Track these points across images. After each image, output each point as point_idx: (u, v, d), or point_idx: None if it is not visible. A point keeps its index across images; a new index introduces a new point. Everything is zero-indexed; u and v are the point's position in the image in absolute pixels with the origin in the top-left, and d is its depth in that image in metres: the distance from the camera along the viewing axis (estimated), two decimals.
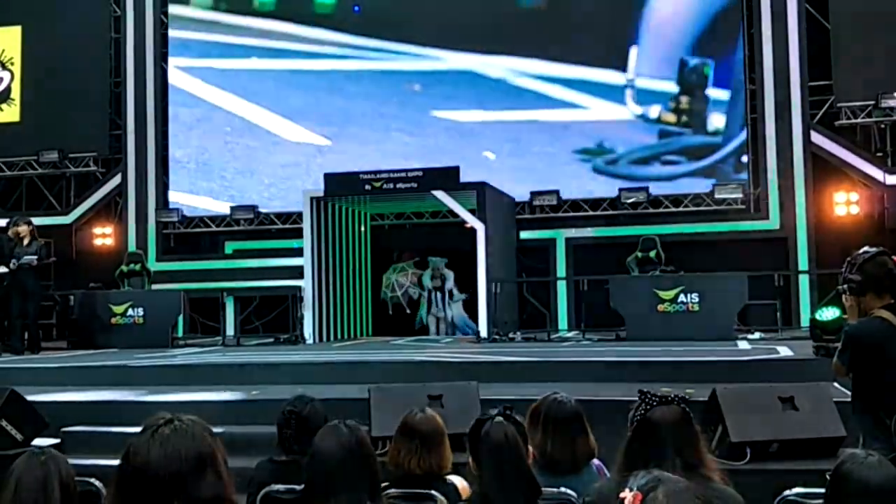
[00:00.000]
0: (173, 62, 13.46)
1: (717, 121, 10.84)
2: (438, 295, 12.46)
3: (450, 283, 12.51)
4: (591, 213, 12.65)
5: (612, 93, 10.76)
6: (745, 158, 11.32)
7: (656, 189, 11.31)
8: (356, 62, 11.44)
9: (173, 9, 13.37)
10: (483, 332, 10.58)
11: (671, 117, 10.70)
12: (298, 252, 11.93)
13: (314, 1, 11.64)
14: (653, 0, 10.47)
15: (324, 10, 11.61)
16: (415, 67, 11.17)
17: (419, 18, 11.01)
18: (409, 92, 11.23)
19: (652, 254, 11.26)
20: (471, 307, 11.85)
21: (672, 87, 10.72)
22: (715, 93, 10.74)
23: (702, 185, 10.81)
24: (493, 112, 11.01)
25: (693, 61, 10.64)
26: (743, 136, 11.48)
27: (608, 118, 10.75)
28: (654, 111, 10.68)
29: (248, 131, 12.58)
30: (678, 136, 10.76)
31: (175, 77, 13.48)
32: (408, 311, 12.73)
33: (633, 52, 10.64)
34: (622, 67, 10.84)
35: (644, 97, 10.79)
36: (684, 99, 10.60)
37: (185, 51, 12.78)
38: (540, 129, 11.00)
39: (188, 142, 13.48)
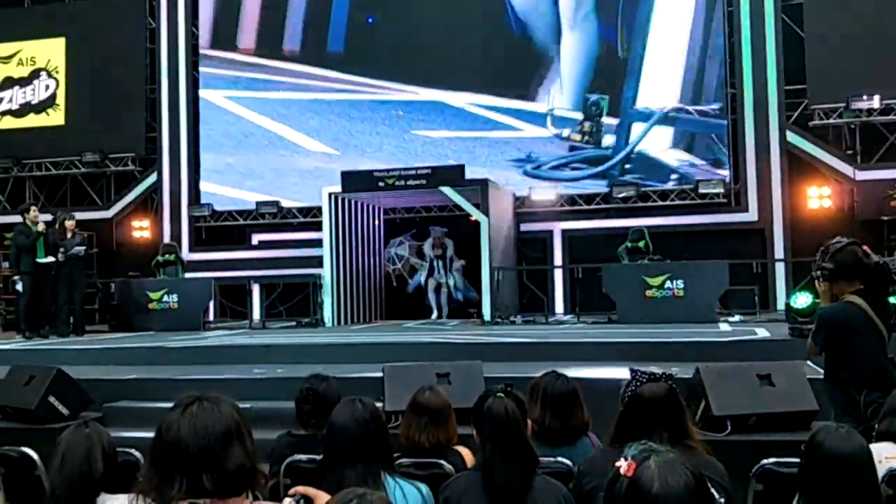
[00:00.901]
0: (225, 93, 14.31)
1: (608, 140, 12.79)
2: (440, 263, 12.59)
3: (451, 251, 12.57)
4: (585, 206, 12.63)
5: (538, 118, 13.00)
6: (628, 165, 12.72)
7: (567, 188, 12.89)
8: (357, 94, 13.74)
9: (224, 54, 14.44)
10: (486, 316, 10.58)
11: (578, 137, 12.86)
12: (318, 243, 11.95)
13: (327, 50, 13.91)
14: (561, 54, 13.08)
15: (335, 57, 13.93)
16: (399, 98, 13.51)
17: (402, 64, 13.42)
18: (395, 116, 13.52)
19: (641, 244, 11.24)
20: (471, 277, 12.08)
21: (579, 115, 12.87)
22: (608, 120, 12.78)
23: (599, 186, 12.74)
24: (455, 132, 13.31)
25: (593, 97, 12.80)
26: (626, 150, 12.74)
27: (534, 137, 13.00)
28: (566, 132, 12.88)
29: (279, 144, 14.05)
30: (582, 150, 12.85)
31: (224, 102, 14.30)
32: (409, 280, 12.82)
33: (553, 89, 12.94)
34: (546, 100, 13.08)
35: (559, 122, 12.93)
36: (586, 124, 12.79)
37: (232, 84, 14.34)
38: (488, 144, 13.17)
39: (235, 153, 14.26)
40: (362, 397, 2.57)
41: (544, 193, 12.52)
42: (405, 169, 11.33)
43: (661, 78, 12.61)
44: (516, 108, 13.03)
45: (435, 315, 12.36)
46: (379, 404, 2.67)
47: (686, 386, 4.44)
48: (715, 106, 12.34)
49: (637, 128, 12.61)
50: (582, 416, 3.15)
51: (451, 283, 12.55)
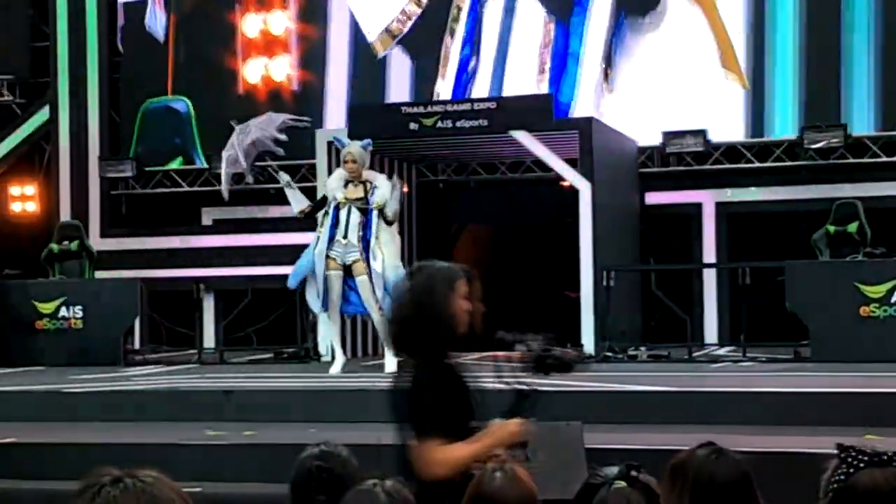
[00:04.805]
0: None
1: None
2: (354, 215, 9.53)
3: (384, 193, 9.44)
4: (756, 164, 12.53)
5: None
6: None
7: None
8: None
9: None
10: (588, 346, 10.57)
11: None
12: (310, 225, 12.00)
13: None
14: None
15: None
16: None
17: None
18: None
19: (852, 227, 11.14)
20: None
21: None
22: None
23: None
24: None
25: None
26: None
27: None
28: None
29: None
30: None
31: None
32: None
33: None
34: None
35: None
36: None
37: None
38: None
39: None
40: (386, 481, 2.56)
41: (689, 140, 12.38)
42: (453, 101, 11.32)
43: None
44: None
45: (340, 361, 10.02)
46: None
47: None
48: None
49: None
50: None
51: (378, 262, 9.44)
